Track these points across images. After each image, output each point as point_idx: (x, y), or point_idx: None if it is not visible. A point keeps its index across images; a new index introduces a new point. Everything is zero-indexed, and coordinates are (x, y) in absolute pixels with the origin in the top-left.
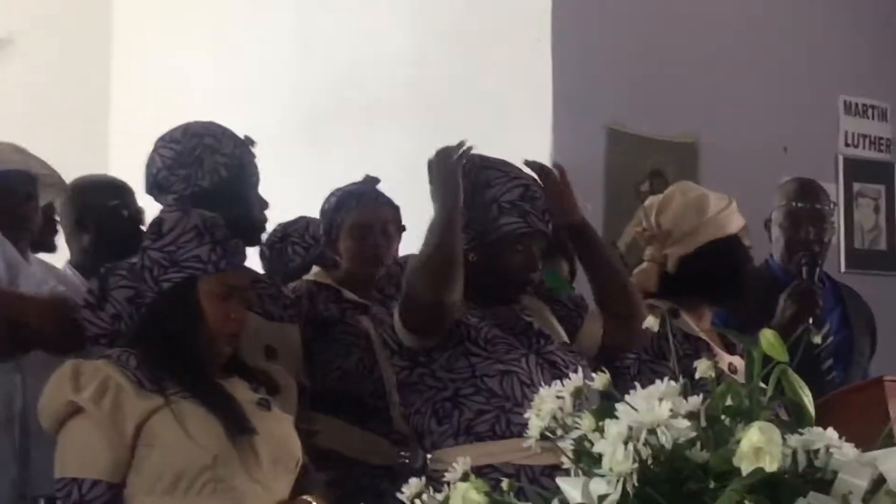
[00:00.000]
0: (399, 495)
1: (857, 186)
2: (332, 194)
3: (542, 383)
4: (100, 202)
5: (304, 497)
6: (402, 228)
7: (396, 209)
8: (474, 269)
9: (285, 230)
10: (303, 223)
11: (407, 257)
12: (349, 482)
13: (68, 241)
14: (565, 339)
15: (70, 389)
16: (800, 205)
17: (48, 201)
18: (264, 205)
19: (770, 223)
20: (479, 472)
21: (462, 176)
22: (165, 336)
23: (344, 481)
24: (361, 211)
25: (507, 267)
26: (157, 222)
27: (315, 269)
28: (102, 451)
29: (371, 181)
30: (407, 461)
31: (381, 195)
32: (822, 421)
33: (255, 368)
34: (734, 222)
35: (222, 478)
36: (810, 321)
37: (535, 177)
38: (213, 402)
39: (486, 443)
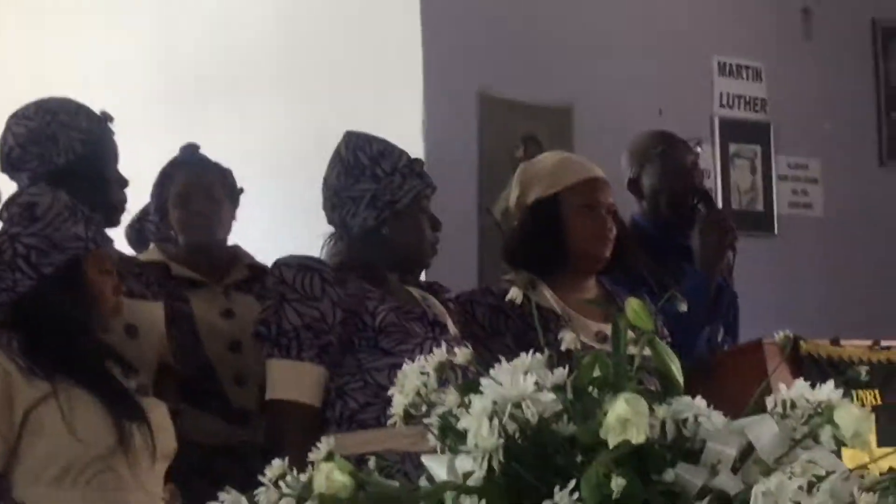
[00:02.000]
0: (260, 477)
1: (733, 147)
2: (159, 170)
3: None
4: None
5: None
6: (238, 190)
7: (224, 172)
8: (386, 242)
9: (144, 208)
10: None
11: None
12: (183, 462)
13: None
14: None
15: None
16: (688, 156)
17: None
18: (123, 183)
19: (640, 180)
20: (361, 459)
21: (353, 153)
22: (52, 322)
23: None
24: (184, 178)
25: (421, 231)
26: (28, 205)
27: (151, 246)
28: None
29: (191, 147)
30: (246, 440)
31: (203, 160)
32: (702, 384)
33: (118, 352)
34: (566, 177)
35: (111, 468)
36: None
37: None
38: (103, 390)
39: (369, 430)
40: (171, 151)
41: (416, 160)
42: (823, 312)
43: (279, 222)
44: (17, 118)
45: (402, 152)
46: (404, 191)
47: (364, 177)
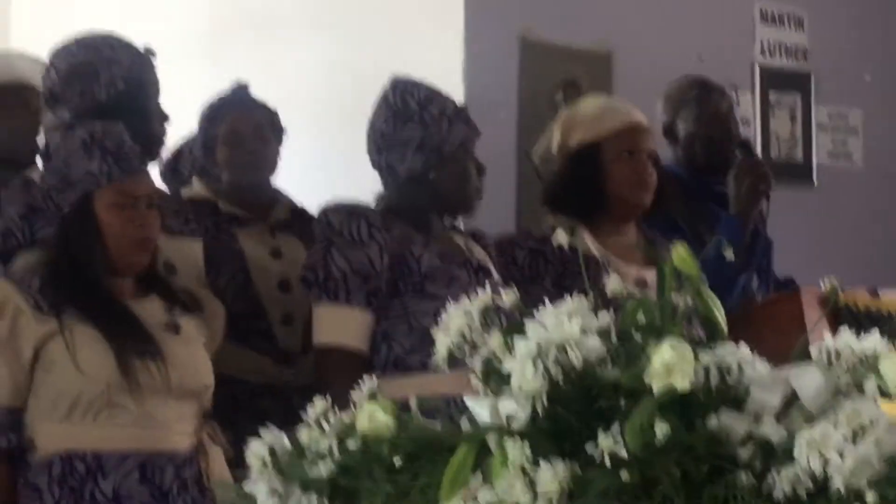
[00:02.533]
0: (302, 414)
1: (773, 96)
2: (206, 105)
3: None
4: None
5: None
6: (283, 131)
7: (272, 112)
8: (433, 187)
9: (180, 146)
10: (194, 138)
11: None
12: (228, 399)
13: None
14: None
15: None
16: (720, 103)
17: None
18: (165, 118)
19: (675, 126)
20: (406, 404)
21: (401, 98)
22: (68, 257)
23: (223, 399)
24: (235, 117)
25: (468, 176)
26: (45, 145)
27: (195, 181)
28: (1, 375)
29: (242, 86)
30: (291, 379)
31: (253, 99)
32: (740, 333)
33: (176, 288)
34: (608, 122)
35: (117, 403)
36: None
37: None
38: (109, 325)
39: (414, 375)
40: (208, 88)
41: (464, 107)
42: (861, 264)
43: (316, 164)
44: (59, 53)
45: (448, 98)
46: (452, 136)
47: (412, 122)
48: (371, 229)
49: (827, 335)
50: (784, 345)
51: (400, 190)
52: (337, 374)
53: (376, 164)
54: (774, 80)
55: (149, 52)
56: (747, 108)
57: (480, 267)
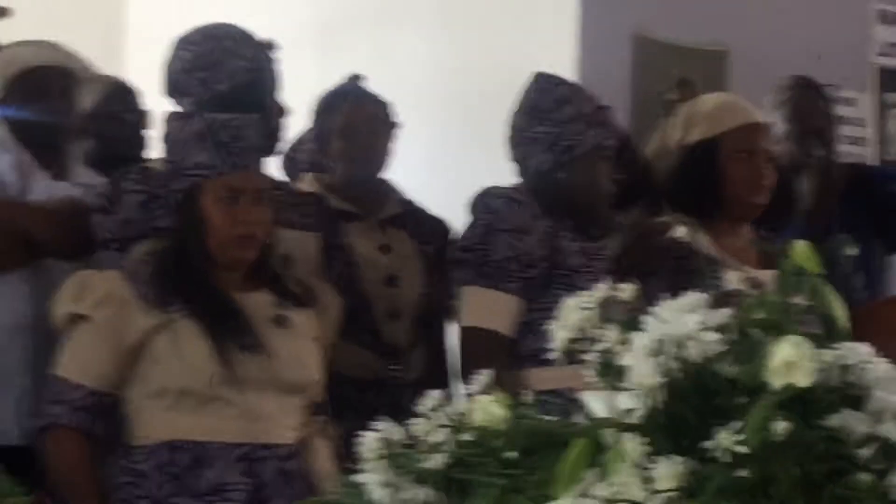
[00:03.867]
0: (417, 407)
1: (889, 97)
2: (320, 98)
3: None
4: (100, 106)
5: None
6: (395, 125)
7: (386, 105)
8: (563, 186)
9: (298, 139)
10: (310, 132)
11: None
12: (334, 396)
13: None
14: None
15: (71, 300)
16: (808, 97)
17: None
18: (283, 112)
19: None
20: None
21: (537, 95)
22: (177, 248)
23: (330, 395)
24: (349, 110)
25: (599, 180)
26: (165, 133)
27: (307, 176)
28: (94, 357)
29: (357, 79)
30: (397, 375)
31: (368, 92)
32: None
33: (289, 281)
34: (727, 121)
35: (221, 396)
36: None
37: None
38: (212, 319)
39: (556, 367)
40: (321, 81)
41: (604, 108)
42: None
43: (428, 159)
44: (182, 43)
45: (590, 98)
46: (585, 138)
47: (546, 119)
48: (533, 218)
49: None
50: (893, 347)
51: (529, 186)
52: (485, 357)
53: (512, 158)
54: (891, 81)
55: (270, 46)
56: (864, 108)
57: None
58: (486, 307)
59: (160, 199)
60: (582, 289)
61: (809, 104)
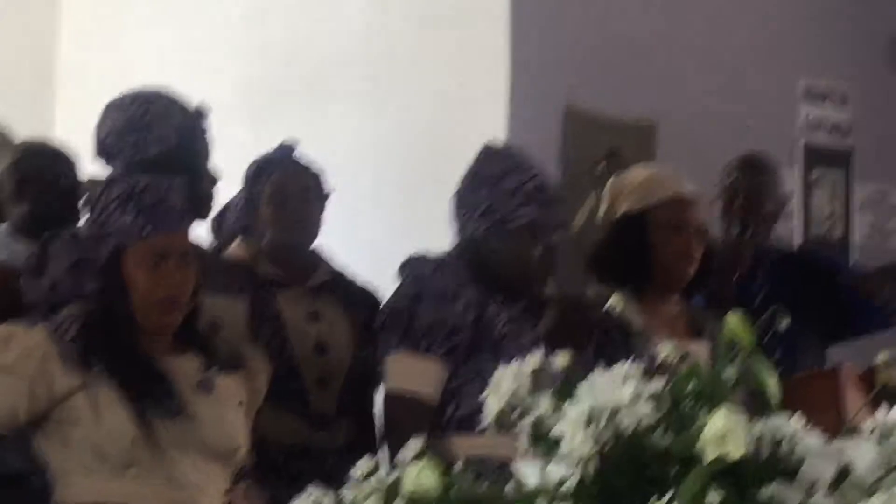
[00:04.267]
0: (348, 474)
1: (815, 172)
2: (252, 163)
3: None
4: (41, 172)
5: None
6: (326, 195)
7: (317, 175)
8: (492, 256)
9: (227, 204)
10: (239, 196)
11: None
12: (261, 462)
13: (6, 207)
14: None
15: (10, 334)
16: (736, 176)
17: None
18: (214, 178)
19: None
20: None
21: (482, 163)
22: (99, 310)
23: (256, 461)
24: (281, 177)
25: (525, 257)
26: (88, 196)
27: (237, 241)
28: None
29: (289, 147)
30: (325, 442)
31: (300, 160)
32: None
33: (216, 345)
34: (655, 193)
35: (142, 461)
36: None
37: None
38: (132, 382)
39: (480, 435)
40: (252, 147)
41: (547, 189)
42: None
43: (356, 227)
44: (113, 107)
45: (535, 175)
46: (520, 213)
47: (485, 188)
48: (459, 284)
49: (882, 411)
50: (819, 421)
51: (464, 251)
52: (406, 422)
53: (452, 219)
54: (817, 157)
55: (201, 111)
56: (790, 184)
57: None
58: (411, 372)
59: (87, 263)
60: (509, 357)
61: (735, 185)
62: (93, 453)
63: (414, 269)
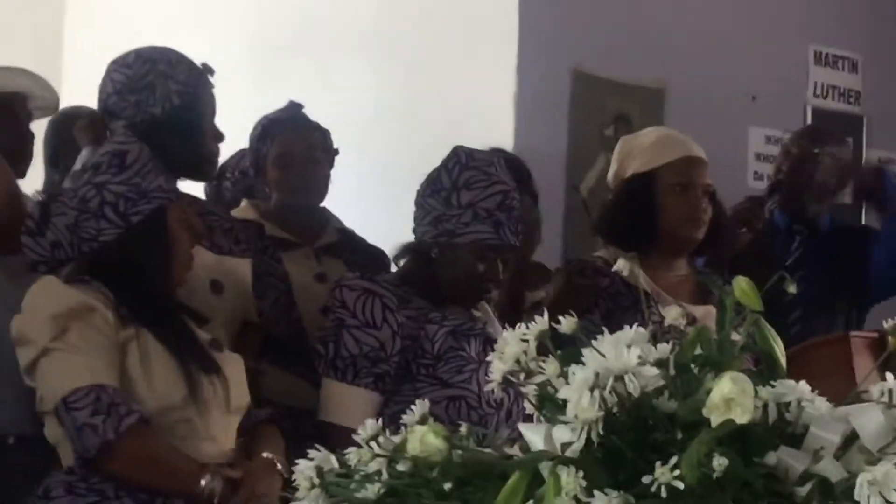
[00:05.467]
0: (354, 436)
1: None
2: (257, 123)
3: (492, 403)
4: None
5: (266, 455)
6: (335, 152)
7: (325, 133)
8: (435, 265)
9: (223, 164)
10: (237, 156)
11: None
12: None
13: (46, 170)
14: None
15: (74, 293)
16: (790, 146)
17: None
18: (219, 136)
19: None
20: None
21: (444, 169)
22: (136, 272)
23: None
24: (286, 138)
25: (468, 274)
26: (119, 154)
27: (243, 202)
28: (115, 358)
29: (295, 106)
30: None
31: (306, 120)
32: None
33: (189, 306)
34: (664, 154)
35: (185, 418)
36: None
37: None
38: (177, 341)
39: None
40: (256, 107)
41: (508, 208)
42: None
43: (365, 186)
44: (116, 66)
45: (496, 193)
46: (468, 230)
47: (439, 195)
48: (385, 311)
49: (889, 376)
50: (830, 387)
51: (410, 255)
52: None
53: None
54: (826, 123)
55: (206, 70)
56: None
57: (490, 340)
58: (341, 403)
59: (112, 221)
60: (451, 373)
61: (794, 157)
62: (144, 407)
63: (340, 296)
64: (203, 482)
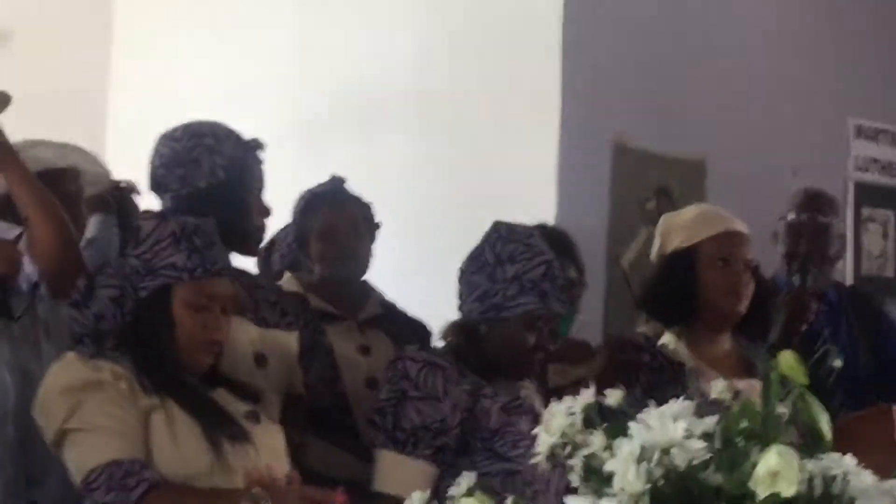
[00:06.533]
0: None
1: (866, 211)
2: (300, 197)
3: (544, 479)
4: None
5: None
6: (376, 226)
7: (366, 206)
8: (484, 340)
9: (273, 237)
10: (287, 229)
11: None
12: None
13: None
14: None
15: (87, 369)
16: (802, 216)
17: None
18: (265, 212)
19: (777, 237)
20: None
21: (486, 244)
22: (143, 344)
23: None
24: (330, 211)
25: (518, 346)
26: (136, 229)
27: (286, 275)
28: (133, 426)
29: (338, 180)
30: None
31: (349, 194)
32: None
33: (236, 380)
34: (705, 229)
35: (214, 486)
36: (813, 332)
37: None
38: (199, 409)
39: None
40: (301, 181)
41: (553, 278)
42: None
43: (405, 260)
44: (164, 139)
45: (542, 264)
46: (516, 303)
47: (483, 271)
48: (447, 384)
49: None
50: (871, 460)
51: (458, 332)
52: None
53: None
54: (868, 196)
55: (255, 144)
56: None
57: (539, 416)
58: (398, 474)
59: (130, 296)
60: (506, 456)
61: (799, 226)
62: (170, 477)
63: (402, 367)
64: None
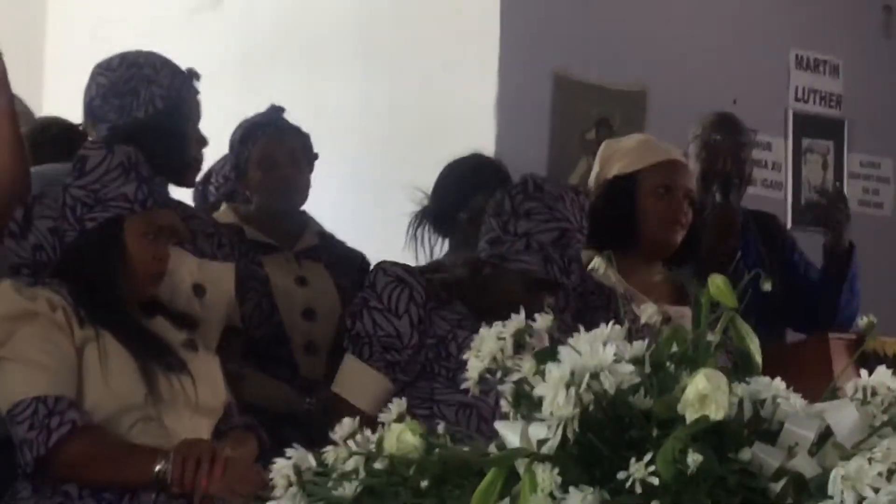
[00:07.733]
0: (332, 435)
1: (805, 142)
2: (238, 126)
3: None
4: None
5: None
6: (315, 156)
7: (305, 137)
8: (484, 282)
9: (208, 169)
10: (222, 161)
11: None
12: None
13: None
14: None
15: (21, 298)
16: (721, 136)
17: None
18: (203, 142)
19: (687, 157)
20: None
21: (508, 194)
22: (86, 275)
23: None
24: (268, 141)
25: (510, 298)
26: (81, 159)
27: (223, 206)
28: (64, 361)
29: (277, 110)
30: (311, 408)
31: (287, 124)
32: (766, 373)
33: (174, 309)
34: (647, 157)
35: (148, 417)
36: (735, 248)
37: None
38: (135, 341)
39: None
40: (238, 113)
41: (563, 245)
42: (890, 312)
43: (344, 191)
44: (101, 69)
45: (553, 229)
46: (515, 258)
47: (499, 218)
48: (410, 303)
49: (864, 372)
50: (809, 387)
51: (464, 264)
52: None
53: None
54: (808, 127)
55: (192, 75)
56: (780, 153)
57: None
58: (352, 378)
59: (71, 224)
60: (466, 390)
61: (717, 145)
62: (100, 410)
63: (374, 277)
64: (158, 467)
